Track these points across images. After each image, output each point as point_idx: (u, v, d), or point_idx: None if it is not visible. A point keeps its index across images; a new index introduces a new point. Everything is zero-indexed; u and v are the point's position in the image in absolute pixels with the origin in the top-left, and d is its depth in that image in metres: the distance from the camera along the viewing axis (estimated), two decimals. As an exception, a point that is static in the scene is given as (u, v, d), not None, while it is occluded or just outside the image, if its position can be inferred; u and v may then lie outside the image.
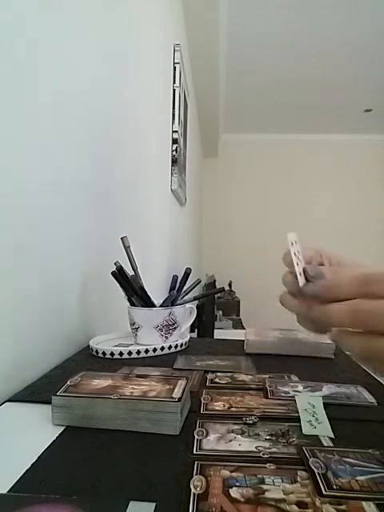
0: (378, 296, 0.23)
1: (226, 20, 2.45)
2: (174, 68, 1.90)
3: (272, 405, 0.42)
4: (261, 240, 4.77)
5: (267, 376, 0.52)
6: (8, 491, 0.27)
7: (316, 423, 0.37)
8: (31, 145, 0.54)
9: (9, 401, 0.44)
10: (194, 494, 0.26)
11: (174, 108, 1.91)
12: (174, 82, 1.91)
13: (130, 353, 0.62)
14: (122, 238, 0.70)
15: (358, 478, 0.28)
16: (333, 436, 0.35)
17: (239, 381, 0.50)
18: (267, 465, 0.30)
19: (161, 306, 0.70)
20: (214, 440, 0.34)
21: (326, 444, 0.34)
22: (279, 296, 0.37)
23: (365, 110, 3.99)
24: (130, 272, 0.69)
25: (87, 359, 0.61)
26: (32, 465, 0.30)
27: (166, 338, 0.68)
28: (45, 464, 0.31)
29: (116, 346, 0.67)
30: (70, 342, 0.67)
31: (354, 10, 2.43)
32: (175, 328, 0.69)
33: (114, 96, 0.94)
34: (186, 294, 0.76)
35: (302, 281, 0.33)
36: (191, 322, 0.77)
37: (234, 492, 0.26)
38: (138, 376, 0.43)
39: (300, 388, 0.47)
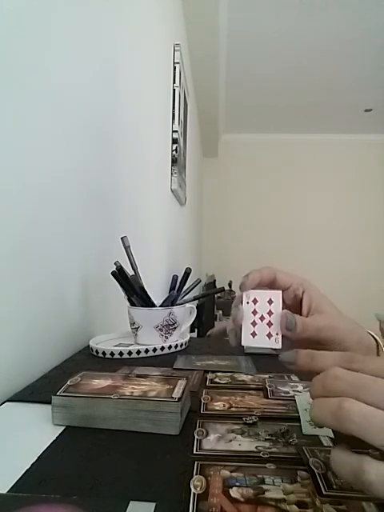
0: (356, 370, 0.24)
1: (225, 20, 2.45)
2: (174, 68, 1.90)
3: (272, 405, 0.42)
4: (261, 240, 4.78)
5: (267, 376, 0.52)
6: (8, 491, 0.27)
7: (316, 423, 0.37)
8: (30, 145, 0.54)
9: (9, 401, 0.44)
10: (194, 494, 0.26)
11: (173, 108, 1.91)
12: (174, 82, 1.91)
13: (130, 353, 0.62)
14: (122, 238, 0.70)
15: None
16: (333, 436, 0.35)
17: (239, 381, 0.50)
18: (267, 465, 0.30)
19: (161, 305, 0.70)
20: (213, 440, 0.34)
21: (326, 444, 0.34)
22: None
23: (365, 109, 3.99)
24: (130, 272, 0.69)
25: (87, 359, 0.61)
26: (32, 465, 0.30)
27: (166, 337, 0.68)
28: (45, 464, 0.31)
29: (116, 345, 0.67)
30: (70, 342, 0.67)
31: (355, 10, 2.43)
32: (175, 328, 0.69)
33: (114, 96, 0.94)
34: (186, 294, 0.76)
35: (245, 337, 0.34)
36: (191, 322, 0.77)
37: (234, 492, 0.26)
38: (138, 376, 0.43)
39: (300, 388, 0.47)
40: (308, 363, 0.27)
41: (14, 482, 0.28)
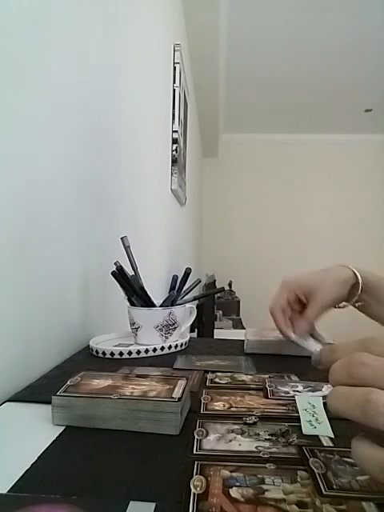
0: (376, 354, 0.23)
1: (225, 20, 2.45)
2: (174, 68, 1.90)
3: (272, 405, 0.42)
4: (261, 240, 4.78)
5: (267, 376, 0.52)
6: (8, 491, 0.27)
7: (316, 423, 0.37)
8: (30, 145, 0.54)
9: (9, 401, 0.44)
10: (194, 494, 0.26)
11: (173, 108, 1.91)
12: (174, 82, 1.91)
13: (130, 353, 0.62)
14: (122, 238, 0.70)
15: (358, 477, 0.28)
16: (333, 436, 0.35)
17: (239, 381, 0.50)
18: (267, 465, 0.30)
19: (161, 306, 0.70)
20: (213, 440, 0.34)
21: (326, 444, 0.34)
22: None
23: (365, 109, 3.99)
24: (129, 272, 0.69)
25: (87, 359, 0.61)
26: (32, 465, 0.30)
27: (166, 337, 0.68)
28: (45, 464, 0.31)
29: (116, 345, 0.67)
30: (70, 342, 0.67)
31: (355, 10, 2.43)
32: (175, 328, 0.69)
33: (114, 96, 0.94)
34: (186, 294, 0.76)
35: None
36: (191, 322, 0.77)
37: (234, 492, 0.26)
38: (138, 376, 0.43)
39: (300, 388, 0.47)
40: (330, 358, 0.27)
41: (14, 482, 0.28)
